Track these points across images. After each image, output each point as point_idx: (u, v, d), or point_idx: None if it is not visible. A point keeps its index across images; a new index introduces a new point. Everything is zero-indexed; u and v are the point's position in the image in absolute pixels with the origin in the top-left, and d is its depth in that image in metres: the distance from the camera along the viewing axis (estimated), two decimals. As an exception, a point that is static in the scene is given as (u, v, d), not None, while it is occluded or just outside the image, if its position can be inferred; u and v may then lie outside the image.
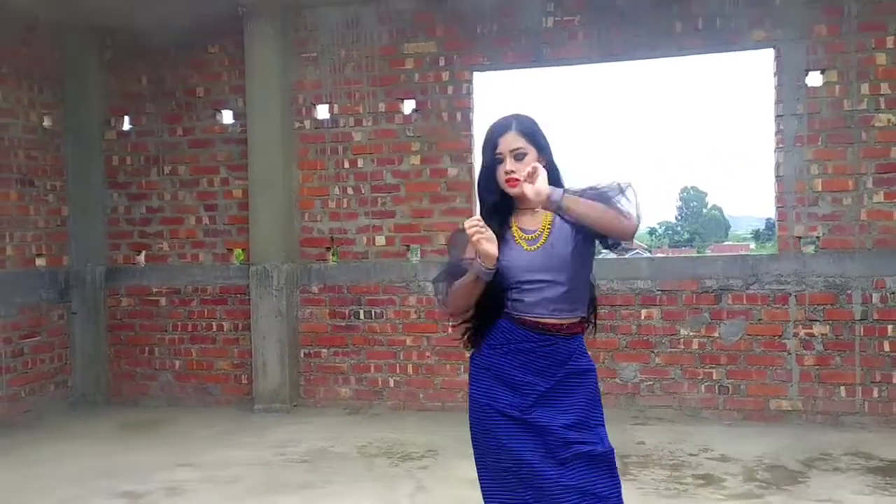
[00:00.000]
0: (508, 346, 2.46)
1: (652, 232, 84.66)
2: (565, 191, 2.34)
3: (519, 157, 2.44)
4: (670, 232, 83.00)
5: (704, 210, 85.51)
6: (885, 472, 4.62)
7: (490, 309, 2.49)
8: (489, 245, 2.31)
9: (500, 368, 2.46)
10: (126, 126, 7.14)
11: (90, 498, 4.47)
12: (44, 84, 6.76)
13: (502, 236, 2.45)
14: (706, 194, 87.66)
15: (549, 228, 2.46)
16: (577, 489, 2.36)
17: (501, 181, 2.46)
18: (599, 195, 2.34)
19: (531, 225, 2.50)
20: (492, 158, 2.47)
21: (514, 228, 2.50)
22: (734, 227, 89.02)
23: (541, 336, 2.43)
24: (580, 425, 2.42)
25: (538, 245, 2.44)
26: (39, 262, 6.68)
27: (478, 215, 2.47)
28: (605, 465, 2.41)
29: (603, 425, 2.48)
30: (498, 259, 2.35)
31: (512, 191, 2.44)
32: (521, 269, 2.43)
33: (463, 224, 2.37)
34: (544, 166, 2.41)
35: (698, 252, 52.48)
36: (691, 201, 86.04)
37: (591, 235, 2.39)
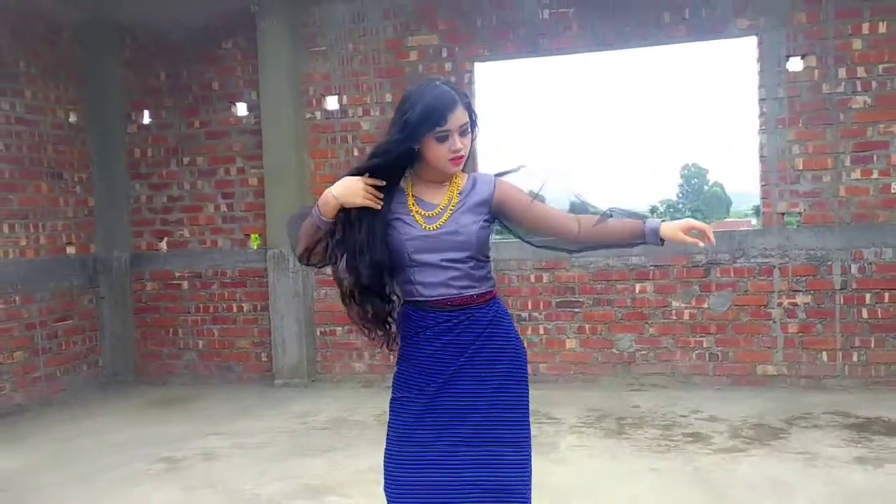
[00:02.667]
0: (426, 332, 2.29)
1: (653, 210, 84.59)
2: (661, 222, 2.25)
3: (464, 133, 2.25)
4: (672, 209, 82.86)
5: (706, 187, 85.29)
6: (861, 428, 5.02)
7: (375, 290, 2.32)
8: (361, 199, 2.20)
9: (420, 357, 2.31)
10: (146, 120, 7.49)
11: (132, 464, 4.87)
12: (69, 82, 7.14)
13: (395, 204, 2.29)
14: (707, 171, 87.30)
15: (453, 206, 2.28)
16: (482, 486, 2.21)
17: (442, 157, 2.23)
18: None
19: (434, 198, 2.30)
20: (430, 131, 2.20)
21: (410, 200, 2.31)
22: (736, 204, 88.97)
23: (458, 312, 2.27)
24: (499, 413, 2.27)
25: (439, 223, 2.26)
26: (69, 249, 7.09)
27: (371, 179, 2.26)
28: (516, 462, 2.26)
29: (524, 412, 2.32)
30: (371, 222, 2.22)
31: (452, 169, 2.27)
32: (416, 248, 2.25)
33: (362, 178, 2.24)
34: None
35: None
36: (692, 178, 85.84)
37: (505, 220, 2.34)
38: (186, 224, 7.45)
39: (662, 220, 2.25)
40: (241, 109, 7.29)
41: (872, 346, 6.01)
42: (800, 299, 6.13)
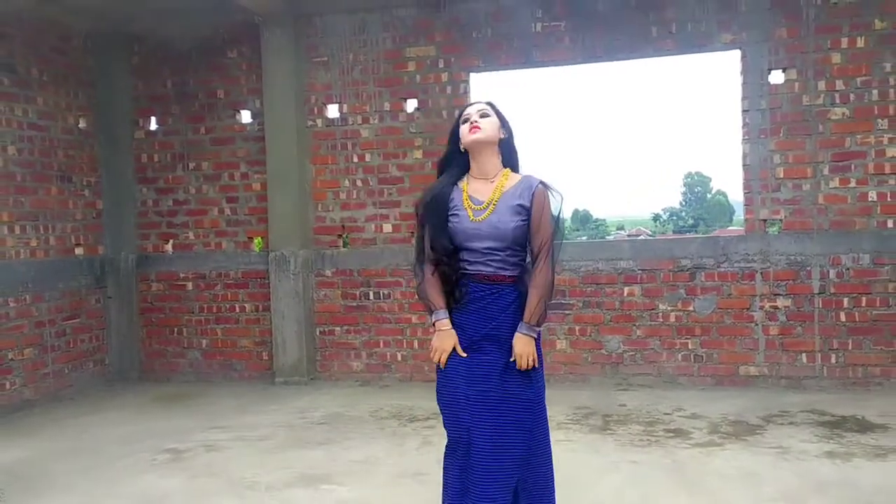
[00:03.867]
0: (466, 297, 2.88)
1: (656, 218, 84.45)
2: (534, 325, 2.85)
3: (483, 115, 2.88)
4: (675, 218, 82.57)
5: (709, 195, 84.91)
6: (834, 425, 5.24)
7: (449, 272, 2.90)
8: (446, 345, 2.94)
9: (461, 316, 2.91)
10: (153, 126, 7.75)
11: (138, 454, 5.10)
12: (79, 89, 7.41)
13: (456, 200, 2.88)
14: (710, 179, 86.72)
15: (496, 202, 2.85)
16: (504, 421, 2.80)
17: (465, 132, 2.87)
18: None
19: (481, 195, 2.88)
20: (457, 122, 2.92)
21: (465, 195, 2.89)
22: (739, 213, 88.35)
23: (490, 286, 2.86)
24: (516, 369, 2.84)
25: (484, 216, 2.84)
26: (78, 251, 7.34)
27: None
28: (530, 406, 2.85)
29: (538, 370, 2.89)
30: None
31: (469, 137, 2.85)
32: (465, 236, 2.84)
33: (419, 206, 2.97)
34: (504, 139, 2.92)
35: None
36: (695, 186, 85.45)
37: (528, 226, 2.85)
38: (191, 227, 7.69)
39: (529, 333, 2.84)
40: (246, 117, 7.53)
41: (850, 347, 6.24)
42: (780, 303, 6.36)
